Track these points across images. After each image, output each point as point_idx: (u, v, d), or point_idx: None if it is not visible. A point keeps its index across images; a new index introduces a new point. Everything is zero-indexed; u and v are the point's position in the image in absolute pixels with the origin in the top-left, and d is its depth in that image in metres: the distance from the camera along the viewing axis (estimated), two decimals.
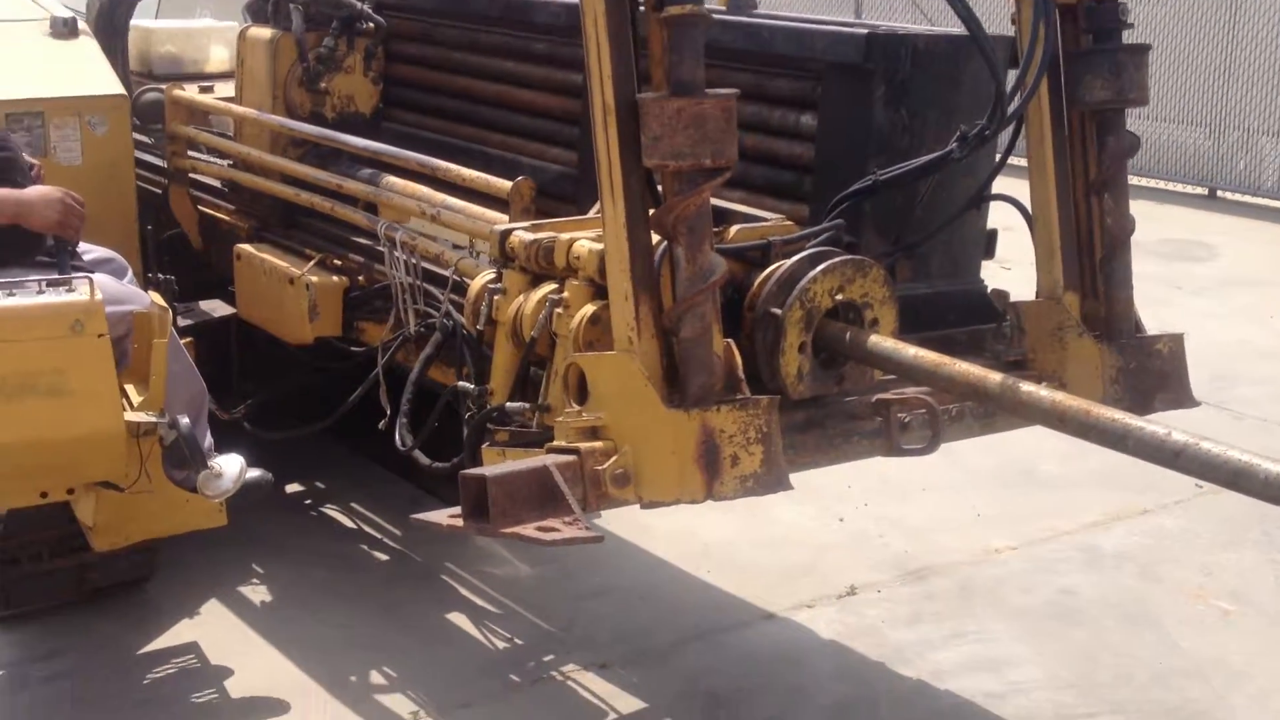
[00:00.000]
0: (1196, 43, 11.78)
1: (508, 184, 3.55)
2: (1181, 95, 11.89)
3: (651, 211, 2.71)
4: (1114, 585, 4.52)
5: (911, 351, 2.83)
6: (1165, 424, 2.34)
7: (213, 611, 4.18)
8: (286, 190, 4.39)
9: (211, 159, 4.83)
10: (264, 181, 4.49)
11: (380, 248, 3.84)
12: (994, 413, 3.10)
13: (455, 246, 3.73)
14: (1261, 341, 7.39)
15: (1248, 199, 11.47)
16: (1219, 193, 11.76)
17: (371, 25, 4.57)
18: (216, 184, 4.86)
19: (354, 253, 4.16)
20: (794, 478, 2.73)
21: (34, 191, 3.51)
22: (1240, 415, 6.12)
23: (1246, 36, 11.51)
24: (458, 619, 4.22)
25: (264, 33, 4.53)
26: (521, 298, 3.09)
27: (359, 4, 4.49)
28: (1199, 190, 11.85)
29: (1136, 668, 4.00)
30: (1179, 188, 11.88)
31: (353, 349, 4.09)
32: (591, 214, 3.31)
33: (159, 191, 5.00)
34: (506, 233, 3.15)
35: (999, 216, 3.48)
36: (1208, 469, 2.27)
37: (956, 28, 3.13)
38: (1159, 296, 7.77)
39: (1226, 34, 11.65)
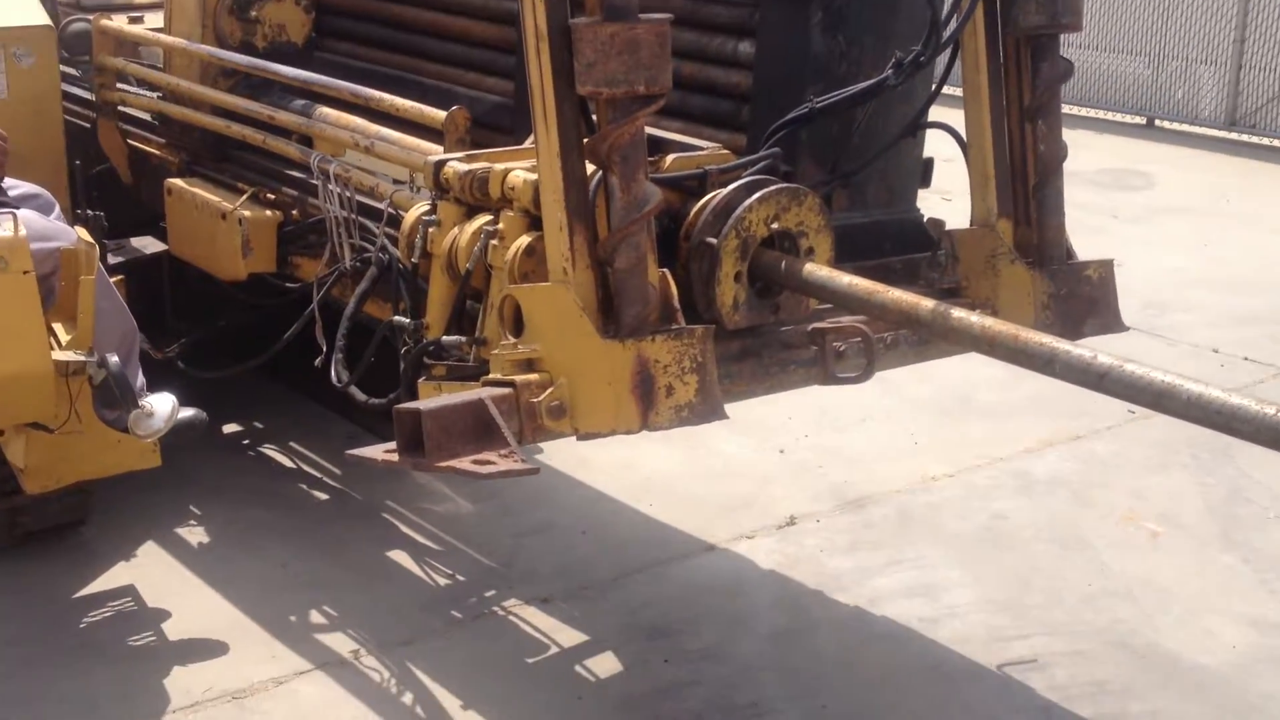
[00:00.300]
0: None
1: (442, 114, 3.49)
2: (1121, 25, 11.95)
3: (586, 140, 2.69)
4: (1046, 510, 4.59)
5: (845, 280, 2.83)
6: (1092, 348, 2.37)
7: (149, 554, 4.14)
8: (217, 123, 4.30)
9: (141, 91, 4.73)
10: (194, 114, 4.40)
11: (314, 181, 3.78)
12: (928, 340, 3.12)
13: (395, 181, 3.68)
14: (1194, 269, 7.49)
15: (1185, 128, 11.57)
16: (1157, 122, 11.85)
17: None
18: (146, 117, 4.76)
19: (287, 186, 4.10)
20: (733, 409, 2.74)
21: None
22: (1173, 341, 6.20)
23: None
24: (398, 556, 4.21)
25: None
26: (456, 230, 3.06)
27: None
28: (1137, 120, 11.94)
29: (1067, 590, 4.07)
30: (1118, 117, 11.96)
31: (287, 285, 4.04)
32: (527, 144, 3.27)
33: (87, 125, 4.89)
34: (440, 163, 3.11)
35: (940, 147, 3.48)
36: (1133, 391, 2.30)
37: None
38: (1095, 225, 7.83)
39: None
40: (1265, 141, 11.01)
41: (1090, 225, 7.50)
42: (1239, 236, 8.18)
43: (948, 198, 4.40)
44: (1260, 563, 4.25)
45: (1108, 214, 8.50)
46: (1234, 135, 11.25)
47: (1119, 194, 9.19)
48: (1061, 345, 2.44)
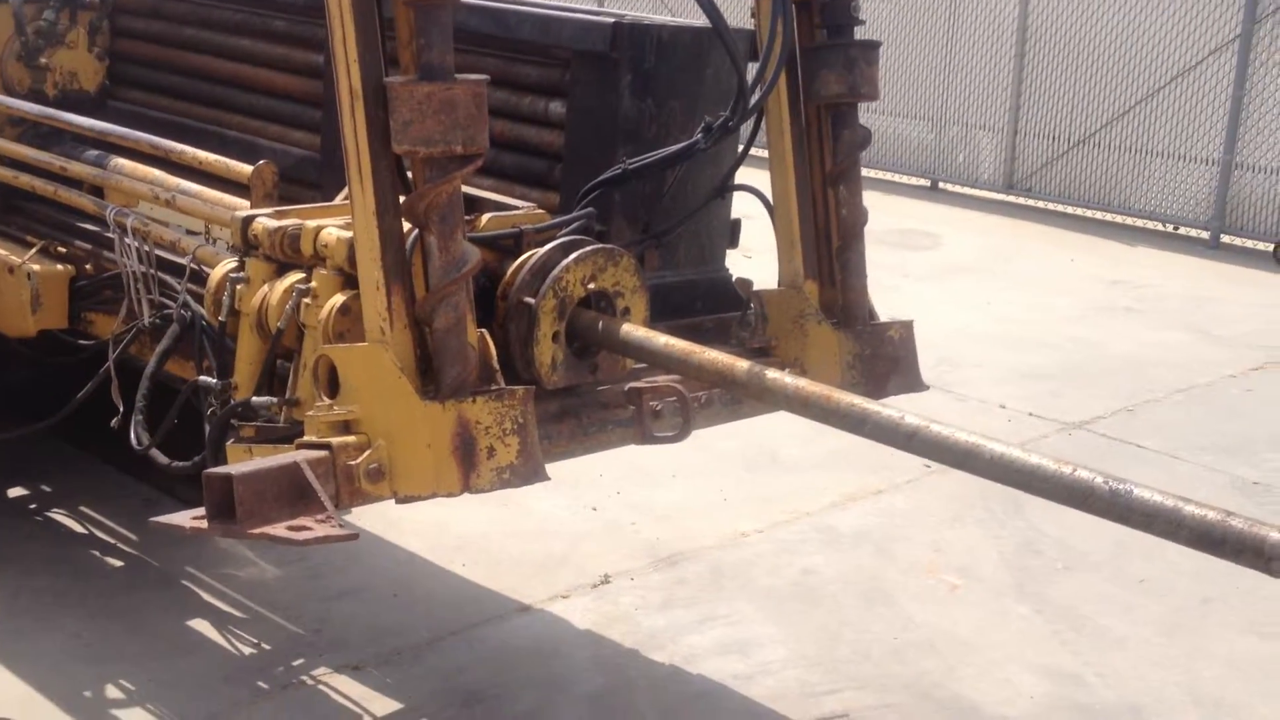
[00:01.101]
0: (919, 41, 12.40)
1: (248, 168, 3.41)
2: (906, 91, 12.49)
3: (402, 199, 2.66)
4: (852, 564, 4.72)
5: (662, 341, 2.88)
6: (899, 408, 2.46)
7: None
8: (4, 172, 4.11)
9: None
10: None
11: (109, 234, 3.64)
12: (741, 399, 3.18)
13: (190, 233, 3.57)
14: (980, 326, 7.84)
15: (967, 190, 12.15)
16: (940, 184, 12.41)
17: None
18: None
19: (81, 239, 3.93)
20: (549, 469, 2.73)
21: None
22: (963, 397, 6.47)
23: (965, 36, 12.18)
24: (200, 625, 4.05)
25: None
26: (266, 287, 2.98)
27: None
28: (922, 181, 12.48)
29: (874, 643, 4.18)
30: (904, 179, 12.48)
31: (81, 342, 3.87)
32: (339, 200, 3.23)
33: None
34: (249, 219, 3.04)
35: (744, 206, 3.57)
36: (939, 450, 2.39)
37: (699, 20, 3.20)
38: (887, 283, 8.12)
39: (946, 33, 12.30)
40: (1040, 204, 11.64)
41: (884, 284, 7.73)
42: (1019, 295, 8.61)
43: (748, 255, 4.52)
44: (1052, 614, 4.45)
45: (899, 273, 8.84)
46: (1011, 198, 11.86)
47: (908, 253, 9.58)
48: (872, 407, 2.53)
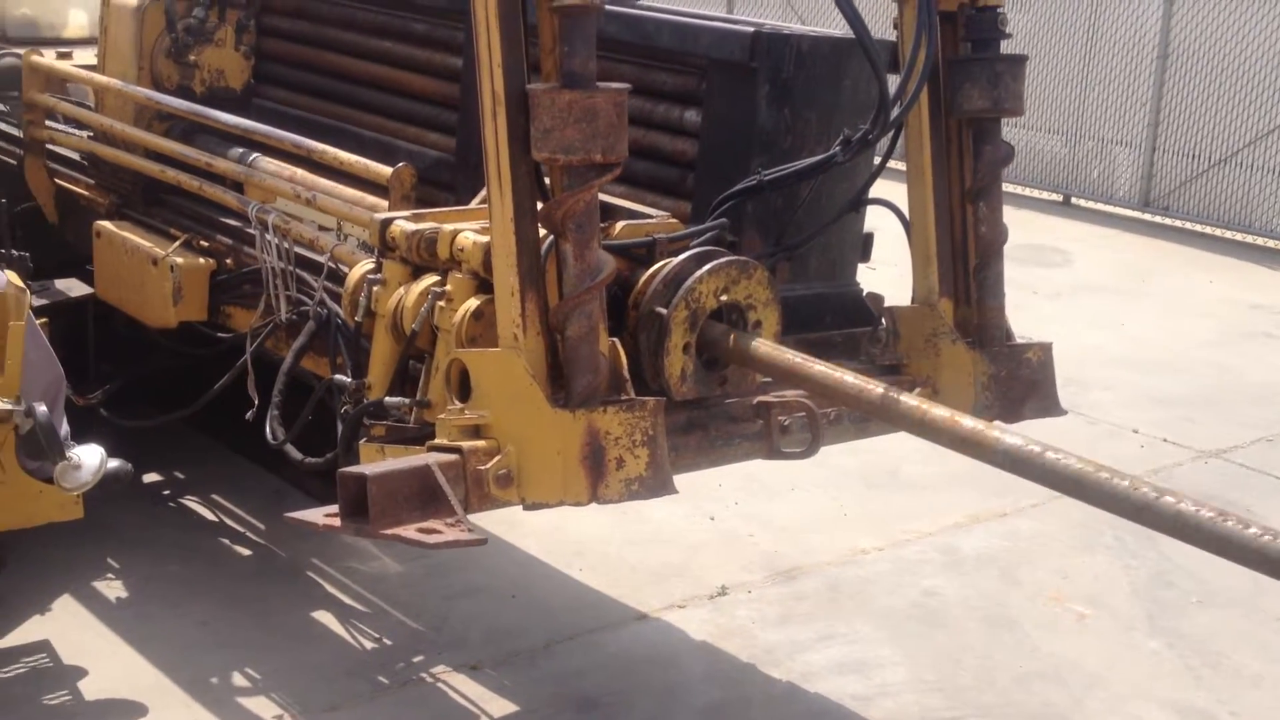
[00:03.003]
0: (1056, 51, 12.13)
1: (387, 170, 3.46)
2: (1040, 103, 12.22)
3: (540, 205, 2.67)
4: (975, 587, 4.62)
5: (794, 358, 2.83)
6: (1038, 441, 2.36)
7: (65, 607, 4.01)
8: (151, 166, 4.23)
9: (70, 129, 4.63)
10: (128, 156, 4.32)
11: (251, 230, 3.72)
12: (870, 418, 3.13)
13: (321, 228, 3.63)
14: (1113, 348, 7.64)
15: (1101, 207, 11.85)
16: (1073, 199, 12.13)
17: None
18: (75, 156, 4.66)
19: (222, 234, 4.03)
20: (675, 479, 2.71)
21: None
22: (1094, 421, 6.31)
23: (1104, 48, 11.89)
24: (324, 617, 4.11)
25: (131, 0, 4.36)
26: (402, 289, 3.02)
27: None
28: (1054, 197, 12.20)
29: (998, 671, 4.08)
30: (1035, 193, 12.22)
31: (219, 335, 3.96)
32: (474, 204, 3.25)
33: (13, 163, 4.78)
34: (387, 222, 3.07)
35: (870, 216, 3.51)
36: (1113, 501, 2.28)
37: (837, 29, 3.16)
38: (1015, 301, 7.82)
39: (1085, 44, 12.01)
40: (1178, 224, 11.31)
41: (1012, 301, 7.57)
42: (1155, 317, 8.37)
43: (873, 267, 4.45)
44: (1184, 648, 4.31)
45: (1028, 290, 8.65)
46: (1148, 216, 11.54)
47: (1038, 270, 9.36)
48: (1075, 464, 2.38)
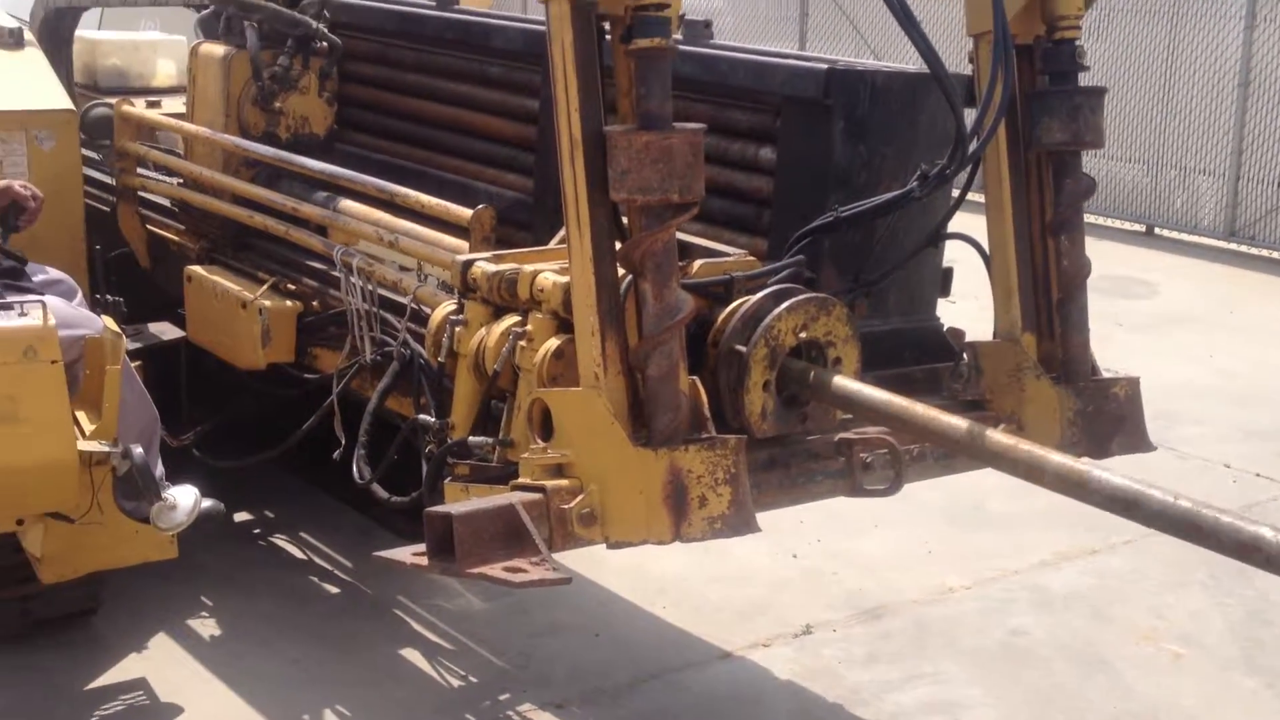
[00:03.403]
0: (1136, 80, 11.99)
1: (468, 212, 3.52)
2: (1121, 132, 12.07)
3: (618, 246, 2.70)
4: (1065, 626, 4.54)
5: (876, 394, 2.83)
6: (1127, 475, 2.33)
7: (161, 645, 4.09)
8: (240, 212, 4.33)
9: (160, 176, 4.76)
10: (217, 203, 4.43)
11: (335, 273, 3.80)
12: (954, 454, 3.11)
13: (401, 269, 3.70)
14: (1201, 380, 7.49)
15: (1185, 237, 11.66)
16: (1156, 230, 11.95)
17: (326, 45, 4.52)
18: (165, 202, 4.79)
19: (308, 277, 4.11)
20: (757, 517, 2.71)
21: None
22: (1185, 456, 6.19)
23: (1185, 76, 11.73)
24: (411, 654, 4.15)
25: (217, 49, 4.48)
26: (484, 330, 3.06)
27: (314, 23, 4.45)
28: (1137, 227, 12.03)
29: (1090, 712, 4.00)
30: (1117, 224, 12.05)
31: (306, 376, 4.04)
32: (553, 244, 3.29)
33: (106, 210, 4.92)
34: (469, 263, 3.12)
35: (948, 249, 3.50)
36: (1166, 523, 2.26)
37: (911, 64, 3.16)
38: (1100, 333, 7.71)
39: (1165, 72, 11.86)
40: (1265, 253, 11.08)
41: (1096, 333, 7.48)
42: (1244, 349, 8.20)
43: (952, 301, 4.42)
44: None
45: (1112, 322, 8.52)
46: (1234, 245, 11.33)
47: (1122, 302, 9.23)
48: (1097, 474, 2.38)
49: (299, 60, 4.46)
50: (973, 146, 3.11)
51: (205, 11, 4.60)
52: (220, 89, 4.44)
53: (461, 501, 2.67)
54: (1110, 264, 10.16)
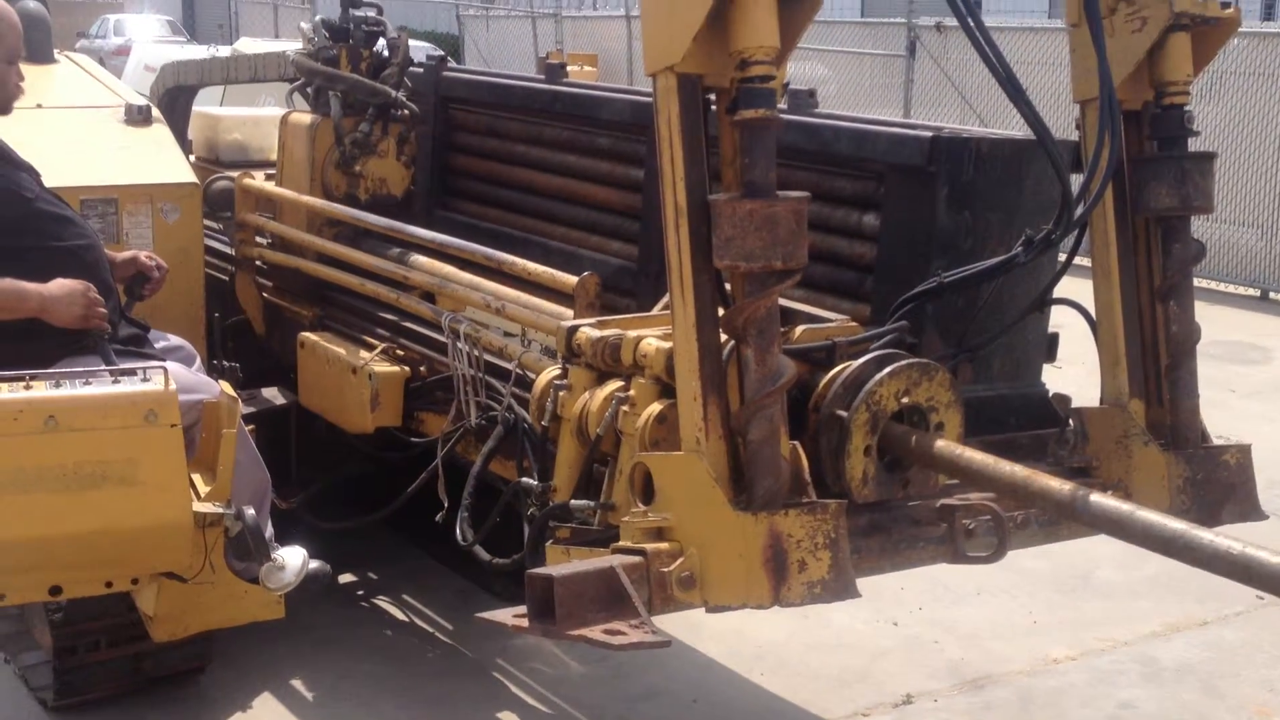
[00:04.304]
0: (1248, 142, 11.79)
1: (573, 279, 3.57)
2: (1234, 196, 11.86)
3: (721, 312, 2.72)
4: (1175, 700, 4.42)
5: (978, 458, 2.81)
6: (1236, 538, 2.29)
7: (265, 704, 4.16)
8: (352, 280, 4.45)
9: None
10: (330, 271, 4.56)
11: (443, 338, 3.87)
12: (1059, 521, 3.07)
13: (507, 334, 3.76)
14: None
15: None
16: (1271, 294, 11.68)
17: (406, 112, 4.74)
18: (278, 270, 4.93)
19: (414, 341, 4.19)
20: (858, 583, 2.70)
21: (56, 287, 3.51)
22: None
23: None
24: (507, 717, 4.17)
25: (304, 118, 4.75)
26: (587, 395, 3.10)
27: (393, 92, 4.66)
28: (1251, 291, 11.77)
29: None
30: (1230, 289, 11.81)
31: (412, 439, 4.11)
32: (657, 310, 3.33)
33: (224, 278, 5.08)
34: (573, 329, 3.17)
35: (1054, 314, 3.46)
36: None
37: (1015, 129, 3.16)
38: (1213, 399, 7.61)
39: (1278, 134, 11.64)
40: None
41: (1208, 399, 7.30)
42: None
43: (1058, 366, 4.36)
44: None
45: (1225, 388, 8.34)
46: None
47: (1236, 367, 9.02)
48: (1205, 535, 2.36)
49: (379, 126, 4.70)
50: (1078, 212, 3.09)
51: (296, 83, 4.86)
52: (306, 154, 4.70)
53: (563, 564, 2.69)
54: (1224, 329, 9.95)
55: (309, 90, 4.77)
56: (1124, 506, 2.54)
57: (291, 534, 3.92)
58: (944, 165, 3.30)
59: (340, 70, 4.65)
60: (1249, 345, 9.77)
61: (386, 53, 4.74)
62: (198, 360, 4.01)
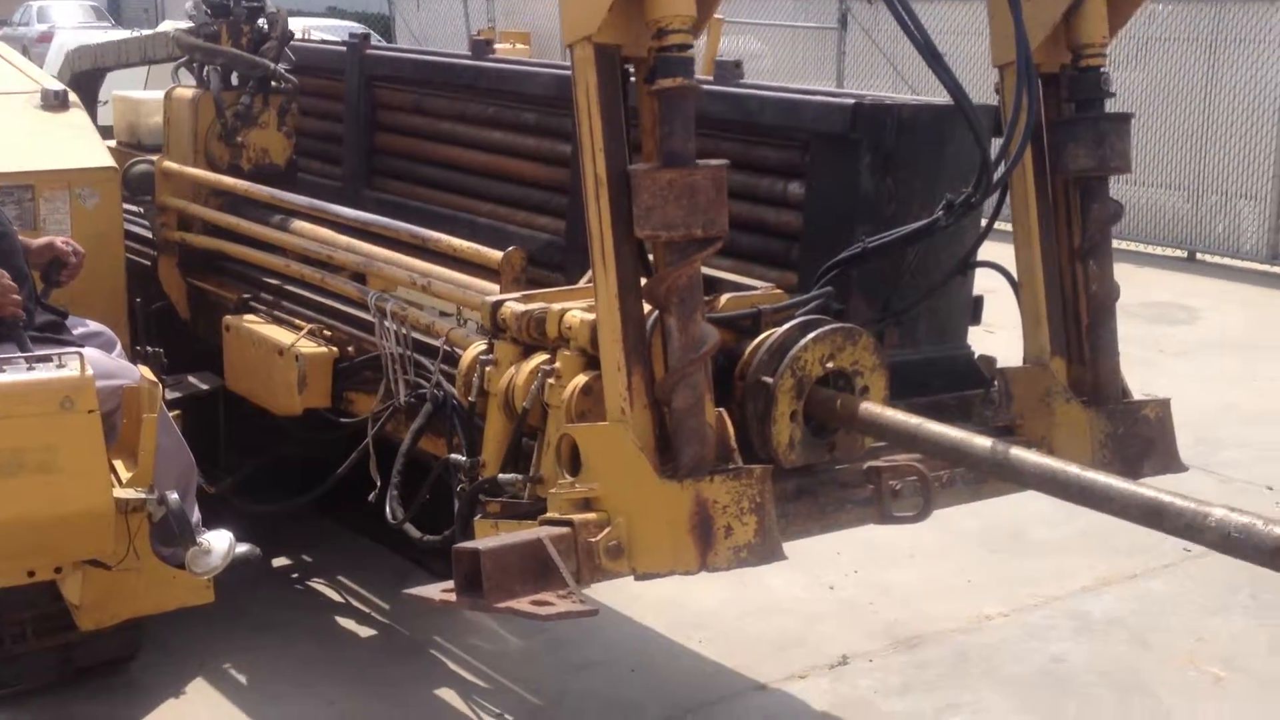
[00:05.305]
0: (1174, 107, 11.95)
1: (498, 254, 3.56)
2: (1160, 159, 12.03)
3: (643, 282, 2.73)
4: (1105, 652, 4.50)
5: (902, 418, 2.84)
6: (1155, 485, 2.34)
7: (198, 690, 4.12)
8: (277, 262, 4.40)
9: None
10: (255, 253, 4.51)
11: (371, 318, 3.84)
12: (984, 479, 3.11)
13: (442, 314, 3.74)
14: (1245, 405, 7.42)
15: (1227, 261, 11.57)
16: (1198, 255, 11.87)
17: (286, 85, 4.86)
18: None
19: (341, 322, 4.16)
20: (785, 546, 2.72)
21: None
22: (1227, 479, 6.12)
23: (1224, 101, 11.67)
24: (447, 694, 4.16)
25: (186, 92, 4.90)
26: (513, 369, 3.09)
27: (272, 65, 4.79)
28: (1178, 253, 11.96)
29: None
30: (1159, 251, 11.99)
31: (342, 420, 4.08)
32: (582, 283, 3.33)
33: (146, 263, 5.01)
34: (498, 304, 3.15)
35: (984, 279, 3.50)
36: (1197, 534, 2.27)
37: (940, 97, 3.18)
38: (1141, 359, 7.79)
39: (1204, 98, 11.81)
40: None
41: (1137, 359, 7.45)
42: None
43: (991, 331, 4.40)
44: None
45: (1153, 348, 8.47)
46: (1276, 269, 11.24)
47: (1163, 328, 9.17)
48: (1122, 484, 2.41)
49: (260, 99, 4.85)
50: (998, 174, 3.12)
51: (180, 60, 5.03)
52: (189, 127, 4.82)
53: (490, 537, 2.69)
54: (1152, 290, 10.11)
55: (194, 67, 4.91)
56: (1044, 460, 2.58)
57: (223, 520, 3.88)
58: (866, 133, 3.32)
59: (220, 45, 4.78)
60: (1176, 306, 9.93)
61: (267, 27, 4.86)
62: (118, 346, 3.96)
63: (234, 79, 4.87)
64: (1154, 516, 2.36)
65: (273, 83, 4.83)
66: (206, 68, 4.83)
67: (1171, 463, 3.30)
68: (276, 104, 4.87)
